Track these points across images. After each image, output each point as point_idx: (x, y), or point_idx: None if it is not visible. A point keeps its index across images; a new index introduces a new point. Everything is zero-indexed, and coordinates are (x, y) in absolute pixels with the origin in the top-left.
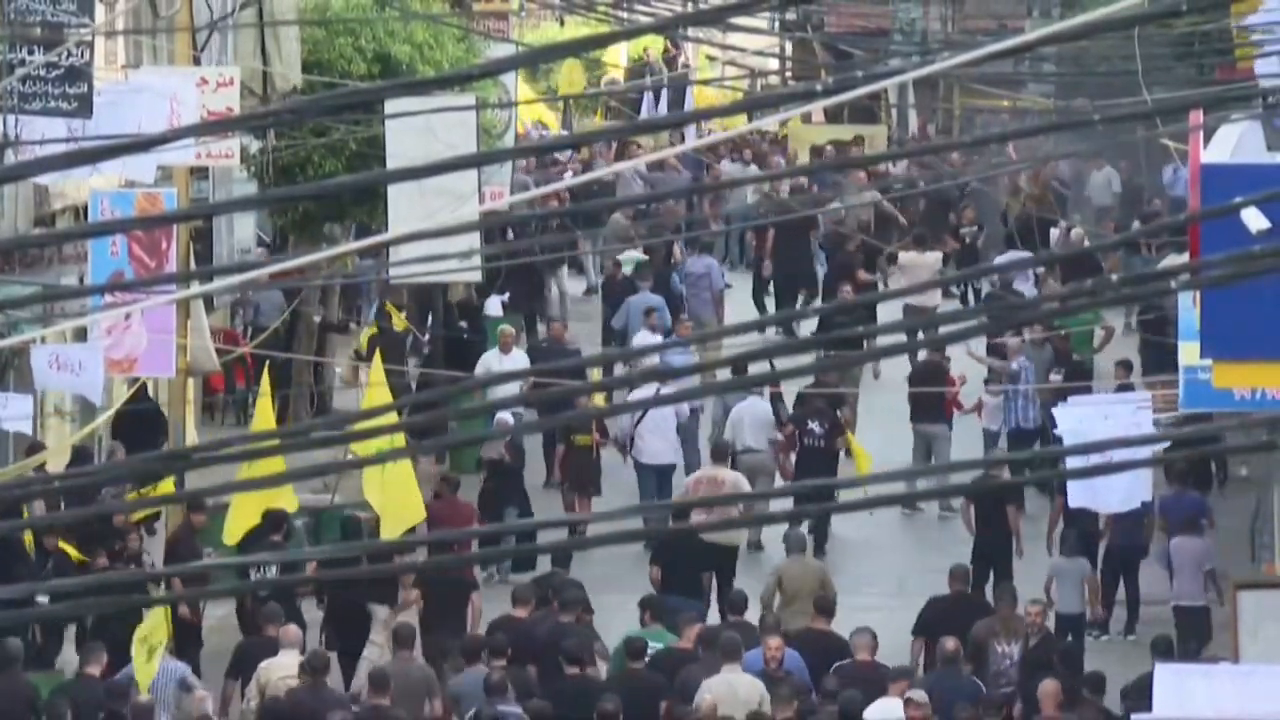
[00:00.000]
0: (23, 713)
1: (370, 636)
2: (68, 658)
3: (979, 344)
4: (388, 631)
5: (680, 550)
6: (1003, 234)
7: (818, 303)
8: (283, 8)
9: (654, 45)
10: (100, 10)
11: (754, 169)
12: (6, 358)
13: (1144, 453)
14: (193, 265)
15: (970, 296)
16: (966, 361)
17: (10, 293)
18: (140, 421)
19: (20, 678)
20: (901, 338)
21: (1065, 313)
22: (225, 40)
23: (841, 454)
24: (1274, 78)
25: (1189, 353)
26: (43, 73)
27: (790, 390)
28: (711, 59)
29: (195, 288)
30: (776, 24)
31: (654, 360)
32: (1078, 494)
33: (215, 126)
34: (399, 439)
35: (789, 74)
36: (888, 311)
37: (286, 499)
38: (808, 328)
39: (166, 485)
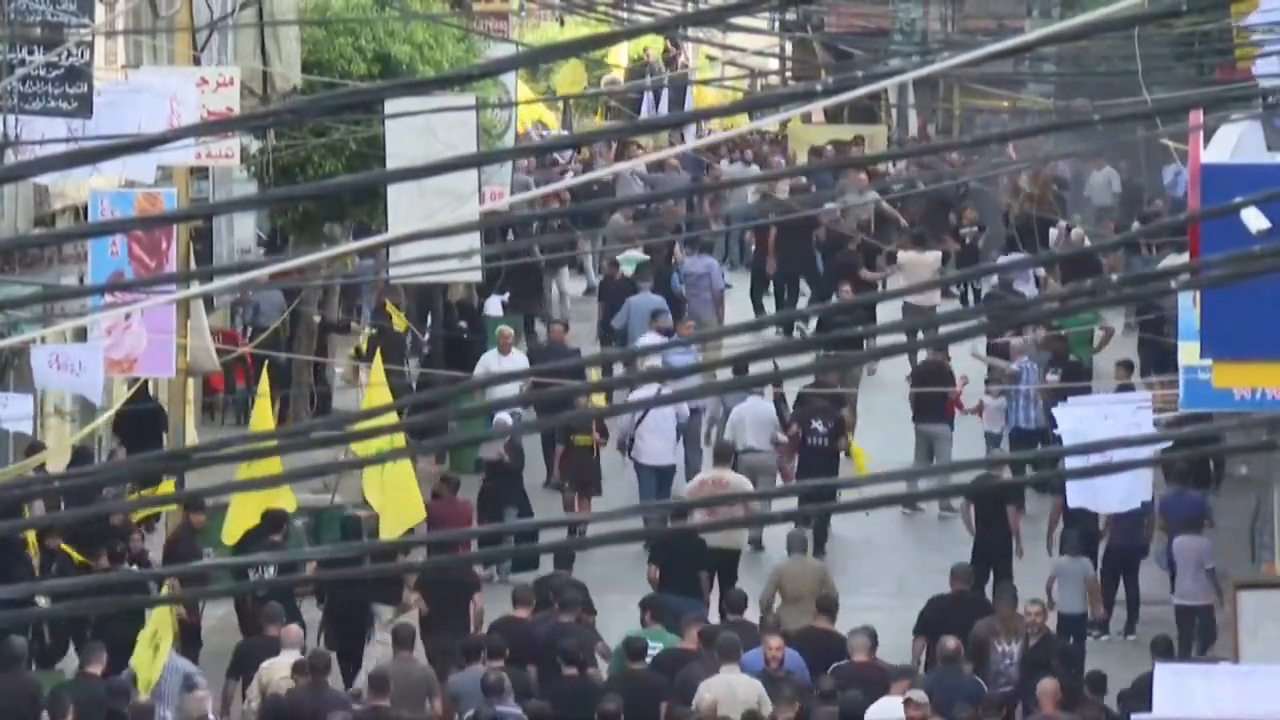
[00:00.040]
0: (27, 711)
1: (376, 636)
2: (69, 659)
3: (979, 345)
4: (390, 631)
5: (678, 550)
6: (1004, 235)
7: (810, 301)
8: (283, 8)
9: (654, 45)
10: (100, 10)
11: (755, 169)
12: (6, 358)
13: (1144, 453)
14: (193, 265)
15: (970, 297)
16: (969, 361)
17: (10, 293)
18: (141, 421)
19: (25, 676)
20: (901, 338)
21: (1065, 313)
22: (225, 40)
23: (842, 454)
24: (1274, 78)
25: (1189, 353)
26: (43, 73)
27: (790, 390)
28: (711, 59)
29: (195, 288)
30: (776, 24)
31: (655, 361)
32: (1076, 494)
33: (215, 126)
34: (399, 439)
35: (789, 74)
36: (887, 311)
37: (285, 499)
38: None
39: (167, 485)
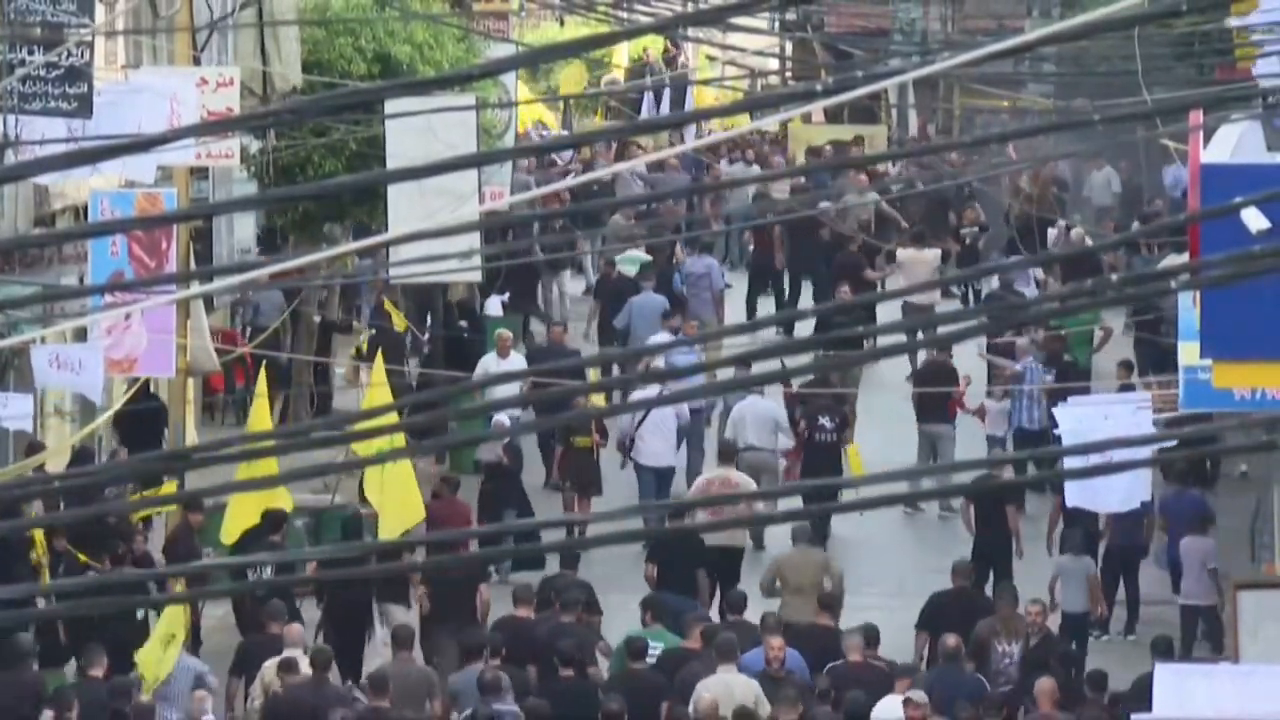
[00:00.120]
0: (32, 708)
1: (379, 637)
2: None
3: (984, 344)
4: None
5: (676, 549)
6: (1005, 235)
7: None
8: (283, 8)
9: (654, 45)
10: (100, 10)
11: (755, 169)
12: (6, 358)
13: (1144, 453)
14: (193, 265)
15: (970, 297)
16: (972, 361)
17: (10, 293)
18: (143, 420)
19: (31, 673)
20: (901, 338)
21: (1065, 313)
22: (225, 40)
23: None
24: (1274, 78)
25: (1189, 353)
26: (43, 73)
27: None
28: (711, 59)
29: (195, 288)
30: (776, 24)
31: (658, 361)
32: (1075, 494)
33: (215, 126)
34: (399, 439)
35: (789, 74)
36: (887, 311)
37: (282, 499)
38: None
39: (168, 486)
